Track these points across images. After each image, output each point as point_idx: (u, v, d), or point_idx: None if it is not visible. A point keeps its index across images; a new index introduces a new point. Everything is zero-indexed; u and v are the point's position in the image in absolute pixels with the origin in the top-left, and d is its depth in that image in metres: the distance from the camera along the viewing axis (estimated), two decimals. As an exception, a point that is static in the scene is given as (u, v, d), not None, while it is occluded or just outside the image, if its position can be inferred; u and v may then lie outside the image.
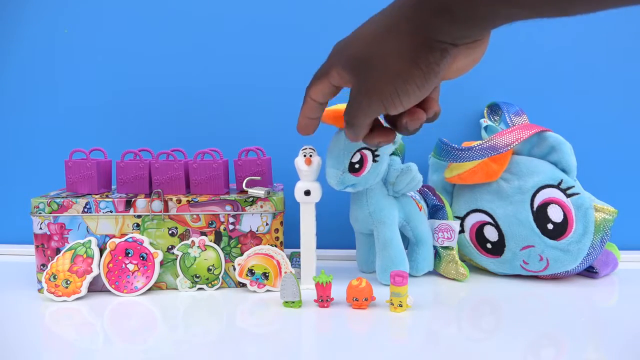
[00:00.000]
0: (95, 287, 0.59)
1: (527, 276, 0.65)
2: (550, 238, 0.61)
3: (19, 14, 0.79)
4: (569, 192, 0.61)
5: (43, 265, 0.59)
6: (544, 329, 0.49)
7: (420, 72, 0.35)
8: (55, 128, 0.81)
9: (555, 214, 0.61)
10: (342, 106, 0.60)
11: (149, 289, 0.59)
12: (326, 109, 0.60)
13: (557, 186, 0.62)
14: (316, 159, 0.59)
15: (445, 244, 0.64)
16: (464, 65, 0.37)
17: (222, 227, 0.60)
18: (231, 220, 0.60)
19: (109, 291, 0.58)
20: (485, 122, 0.74)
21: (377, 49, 0.36)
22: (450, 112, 0.78)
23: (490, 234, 0.65)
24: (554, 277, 0.64)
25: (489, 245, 0.65)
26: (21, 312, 0.54)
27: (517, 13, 0.30)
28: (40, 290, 0.59)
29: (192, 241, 0.60)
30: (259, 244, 0.60)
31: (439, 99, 0.42)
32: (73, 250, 0.58)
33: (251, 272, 0.59)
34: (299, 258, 0.64)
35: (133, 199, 0.59)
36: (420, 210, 0.65)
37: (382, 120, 0.45)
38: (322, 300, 0.54)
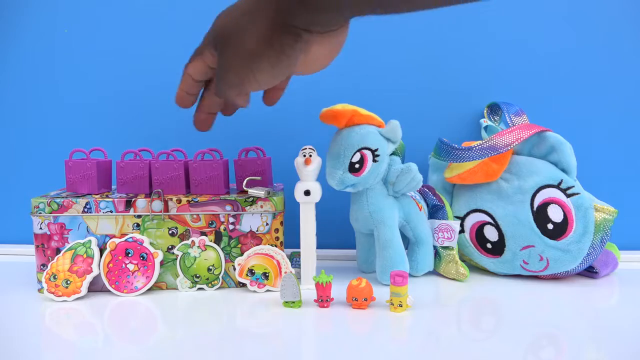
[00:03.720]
0: (95, 287, 0.59)
1: (527, 276, 0.65)
2: (551, 238, 0.61)
3: (19, 14, 0.79)
4: (569, 192, 0.61)
5: (43, 265, 0.59)
6: (544, 329, 0.49)
7: (274, 51, 0.37)
8: (56, 128, 0.81)
9: (555, 214, 0.61)
10: (341, 106, 0.60)
11: (149, 289, 0.59)
12: (326, 109, 0.60)
13: (557, 186, 0.62)
14: (316, 159, 0.59)
15: (446, 244, 0.64)
16: (319, 56, 0.40)
17: (222, 227, 0.60)
18: (231, 220, 0.60)
19: (109, 291, 0.58)
20: (485, 122, 0.74)
21: (236, 28, 0.39)
22: (450, 112, 0.78)
23: (490, 234, 0.65)
24: (554, 277, 0.64)
25: (489, 245, 0.65)
26: (21, 312, 0.54)
27: (363, 8, 0.33)
28: (40, 290, 0.59)
29: (192, 241, 0.60)
30: (259, 244, 0.60)
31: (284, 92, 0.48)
32: (73, 250, 0.58)
33: (251, 272, 0.59)
34: (299, 258, 0.64)
35: (133, 199, 0.59)
36: (420, 210, 0.64)
37: None
38: (322, 300, 0.54)
